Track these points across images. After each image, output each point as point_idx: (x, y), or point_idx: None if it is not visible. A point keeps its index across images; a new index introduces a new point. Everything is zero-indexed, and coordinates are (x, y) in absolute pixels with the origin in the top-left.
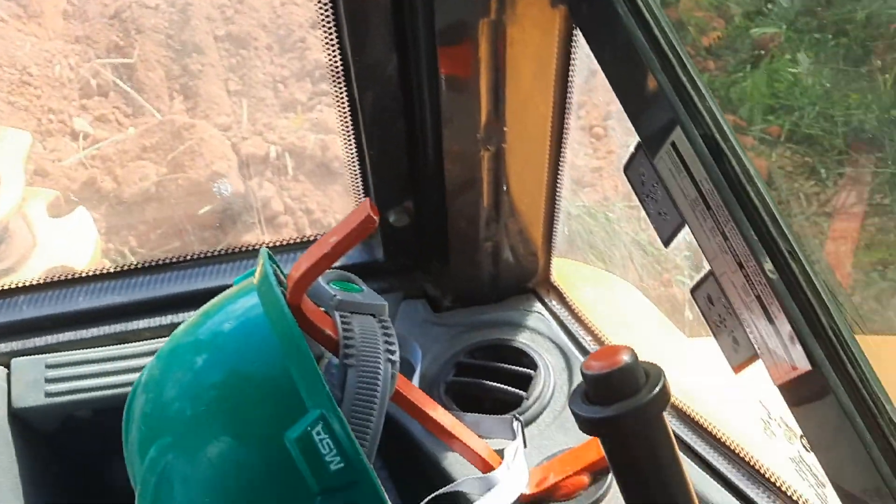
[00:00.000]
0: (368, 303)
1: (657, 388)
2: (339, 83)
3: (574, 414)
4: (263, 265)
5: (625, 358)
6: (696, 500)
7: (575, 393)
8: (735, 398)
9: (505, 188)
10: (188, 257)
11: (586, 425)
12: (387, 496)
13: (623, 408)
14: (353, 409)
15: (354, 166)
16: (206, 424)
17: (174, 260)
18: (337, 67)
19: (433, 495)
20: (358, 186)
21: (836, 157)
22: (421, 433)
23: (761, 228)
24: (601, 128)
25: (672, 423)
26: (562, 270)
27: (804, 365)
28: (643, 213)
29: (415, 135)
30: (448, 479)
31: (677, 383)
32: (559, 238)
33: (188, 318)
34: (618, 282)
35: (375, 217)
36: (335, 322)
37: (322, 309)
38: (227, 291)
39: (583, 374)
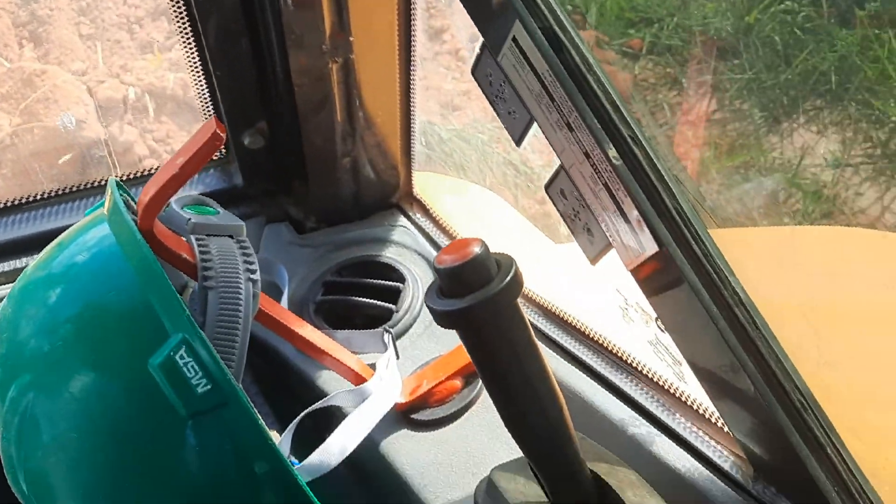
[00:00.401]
0: (224, 224)
1: (509, 277)
2: (179, 8)
3: (430, 309)
4: (112, 194)
5: (475, 250)
6: (557, 387)
7: (430, 289)
8: (596, 291)
9: (357, 101)
10: (37, 197)
11: (442, 319)
12: (258, 415)
13: (476, 298)
14: (217, 331)
15: (203, 92)
16: (66, 359)
17: (22, 201)
18: None
19: (307, 411)
20: (209, 112)
21: (696, 67)
22: (293, 354)
23: (604, 117)
24: (466, 50)
25: (535, 318)
26: (424, 184)
27: (652, 247)
28: None
29: (261, 53)
30: (321, 396)
31: (541, 282)
32: (423, 158)
33: None
34: (480, 191)
35: (222, 134)
36: (191, 246)
37: (178, 234)
38: (78, 224)
39: (435, 270)
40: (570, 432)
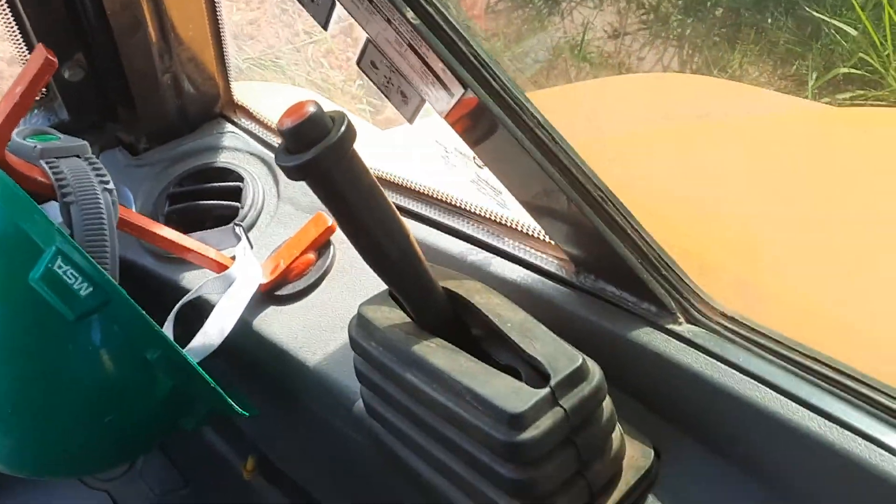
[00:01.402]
0: (69, 145)
1: (344, 127)
2: None
3: (281, 168)
4: None
5: (311, 109)
6: (402, 219)
7: (277, 151)
8: (421, 151)
9: (169, 19)
10: None
11: (293, 173)
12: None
13: (319, 149)
14: (86, 239)
15: (15, 32)
16: None
17: None
18: None
19: (184, 300)
20: (24, 52)
21: None
22: (153, 263)
23: None
24: None
25: None
26: (243, 91)
27: (458, 90)
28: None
29: None
30: (189, 290)
31: (373, 158)
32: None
33: None
34: (295, 89)
35: (53, 58)
36: (44, 170)
37: (28, 162)
38: None
39: (280, 132)
40: (419, 255)
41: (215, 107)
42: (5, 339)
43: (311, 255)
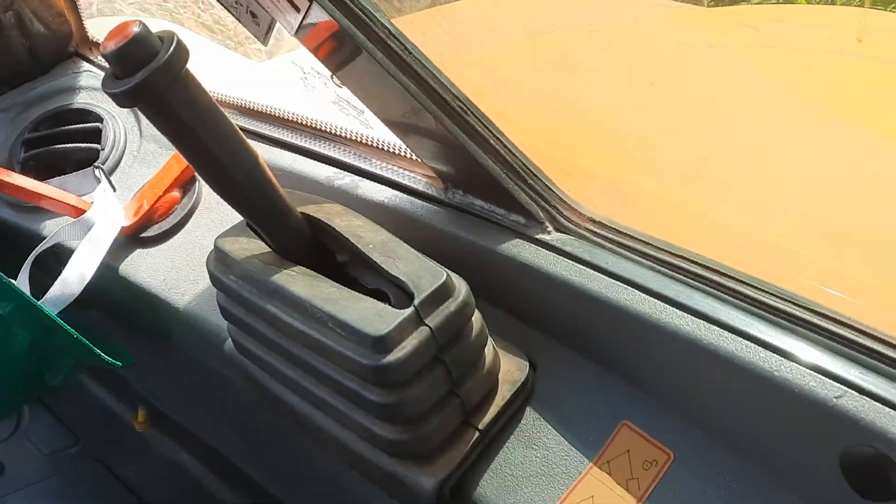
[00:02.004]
0: None
1: (173, 46)
2: None
3: (109, 94)
4: None
5: (135, 28)
6: (247, 141)
7: (105, 78)
8: (281, 77)
9: None
10: None
11: (122, 99)
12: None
13: (148, 70)
14: None
15: None
16: None
17: None
18: None
19: (37, 249)
20: None
21: None
22: (9, 215)
23: None
24: None
25: (235, 118)
26: (100, 27)
27: (303, 3)
28: None
29: None
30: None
31: (238, 87)
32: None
33: None
34: (153, 22)
35: None
36: None
37: None
38: None
39: (104, 57)
40: (270, 178)
41: (68, 45)
42: None
43: (176, 194)
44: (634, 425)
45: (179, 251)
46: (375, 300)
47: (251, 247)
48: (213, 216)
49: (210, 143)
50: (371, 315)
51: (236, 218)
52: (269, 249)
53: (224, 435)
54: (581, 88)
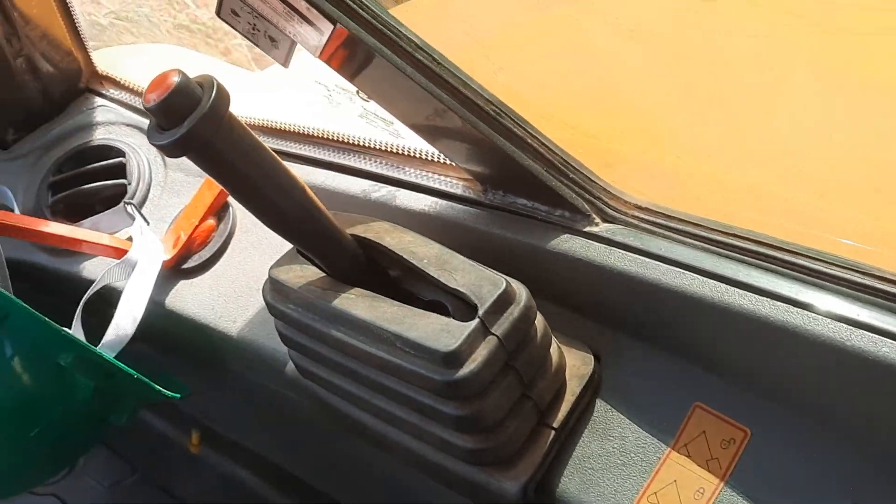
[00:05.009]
0: None
1: (214, 92)
2: None
3: (157, 147)
4: None
5: (175, 79)
6: (292, 172)
7: (150, 129)
8: (301, 94)
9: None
10: None
11: (170, 150)
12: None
13: (193, 119)
14: None
15: None
16: None
17: None
18: None
19: (84, 298)
20: None
21: None
22: (47, 259)
23: None
24: None
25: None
26: (105, 59)
27: (327, 26)
28: None
29: None
30: (89, 286)
31: (251, 106)
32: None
33: None
34: (158, 47)
35: None
36: None
37: None
38: None
39: (147, 109)
40: (320, 207)
41: (79, 82)
42: None
43: (212, 221)
44: (707, 406)
45: (223, 278)
46: (438, 315)
47: (305, 273)
48: (251, 239)
49: (259, 180)
50: (438, 331)
51: (274, 238)
52: (323, 274)
53: (281, 448)
54: (598, 70)
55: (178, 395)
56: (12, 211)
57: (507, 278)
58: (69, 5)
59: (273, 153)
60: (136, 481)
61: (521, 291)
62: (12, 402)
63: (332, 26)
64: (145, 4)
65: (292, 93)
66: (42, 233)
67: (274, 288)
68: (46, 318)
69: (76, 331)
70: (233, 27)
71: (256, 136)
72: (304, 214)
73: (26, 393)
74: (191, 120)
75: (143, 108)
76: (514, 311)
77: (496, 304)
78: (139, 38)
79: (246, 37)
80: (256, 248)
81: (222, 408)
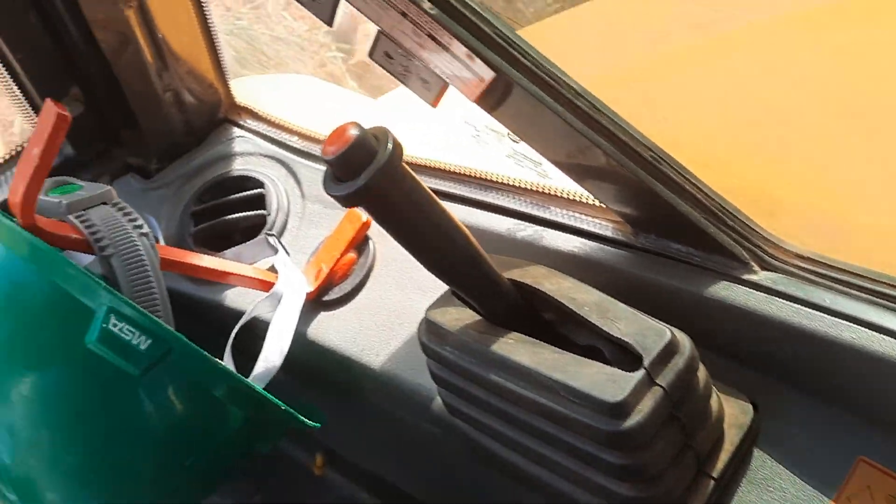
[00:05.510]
0: (94, 195)
1: (390, 145)
2: None
3: (334, 197)
4: None
5: (353, 133)
6: (456, 218)
7: (326, 178)
8: (444, 130)
9: (161, 35)
10: None
11: (347, 201)
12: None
13: (370, 173)
14: (134, 291)
15: (7, 79)
16: (9, 373)
17: None
18: None
19: (234, 331)
20: (17, 96)
21: None
22: (192, 288)
23: None
24: None
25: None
26: (241, 90)
27: (488, 73)
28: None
29: (52, 22)
30: (233, 315)
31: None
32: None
33: None
34: (293, 77)
35: (66, 113)
36: (74, 225)
37: (55, 220)
38: None
39: (325, 161)
40: (482, 254)
41: (219, 113)
42: (71, 404)
43: (353, 254)
44: (872, 460)
45: (364, 312)
46: (601, 364)
47: (462, 316)
48: (392, 273)
49: (427, 229)
50: (603, 381)
51: (414, 273)
52: (480, 317)
53: (408, 475)
54: (746, 106)
55: (318, 426)
56: (157, 237)
57: (670, 327)
58: (215, 41)
59: (440, 202)
60: (259, 501)
61: (685, 341)
62: (169, 433)
63: (492, 74)
64: (244, 17)
65: (433, 128)
66: (197, 266)
67: (430, 329)
68: (205, 353)
69: (227, 361)
70: (384, 68)
71: (425, 185)
72: (467, 261)
73: (183, 424)
74: (368, 173)
75: (322, 157)
76: (678, 362)
77: (661, 354)
78: (239, 51)
79: (396, 77)
80: (397, 281)
81: (351, 434)
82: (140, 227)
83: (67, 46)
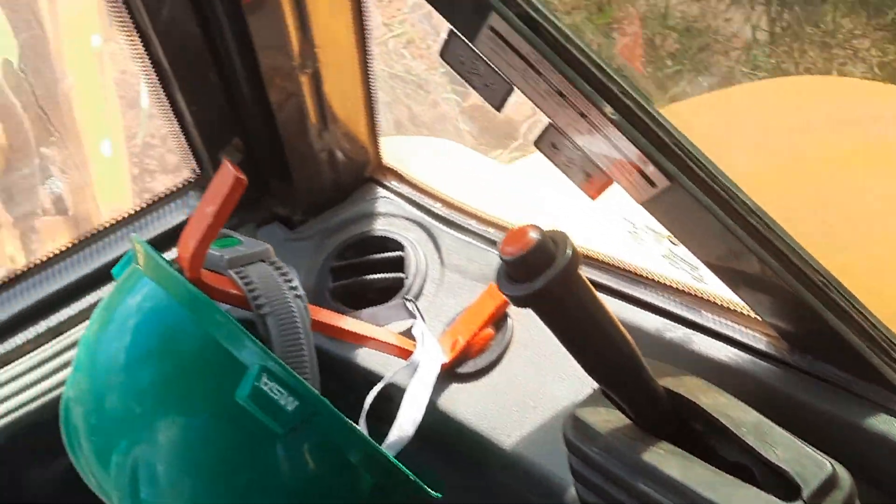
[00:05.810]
0: (254, 251)
1: (568, 251)
2: (140, 53)
3: (507, 296)
4: (145, 251)
5: (533, 236)
6: (620, 324)
7: (499, 276)
8: (598, 221)
9: (326, 99)
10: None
11: (521, 302)
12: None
13: (547, 278)
14: (286, 351)
15: (174, 125)
16: (159, 416)
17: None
18: (134, 39)
19: (375, 391)
20: (183, 143)
21: None
22: (328, 345)
23: (593, 80)
24: None
25: None
26: (388, 150)
27: (663, 182)
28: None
29: (227, 80)
30: (369, 377)
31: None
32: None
33: (65, 318)
34: (440, 142)
35: (242, 176)
36: (233, 280)
37: (215, 272)
38: (117, 287)
39: (503, 260)
40: (642, 361)
41: (365, 171)
42: (215, 453)
43: (490, 330)
44: None
45: (499, 389)
46: (757, 490)
47: (612, 418)
48: (529, 354)
49: (593, 334)
50: None
51: (553, 357)
52: (629, 421)
53: None
54: None
55: (440, 496)
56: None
57: (831, 460)
58: (373, 105)
59: (609, 309)
60: None
61: (845, 476)
62: (301, 493)
63: (668, 183)
64: None
65: (586, 219)
66: (344, 330)
67: (577, 427)
68: (347, 419)
69: (362, 425)
70: (548, 157)
71: (596, 293)
72: (627, 366)
73: (315, 484)
74: (545, 277)
75: (500, 257)
76: (837, 498)
77: (822, 487)
78: None
79: (558, 167)
80: (534, 363)
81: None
82: (295, 288)
83: (237, 102)
